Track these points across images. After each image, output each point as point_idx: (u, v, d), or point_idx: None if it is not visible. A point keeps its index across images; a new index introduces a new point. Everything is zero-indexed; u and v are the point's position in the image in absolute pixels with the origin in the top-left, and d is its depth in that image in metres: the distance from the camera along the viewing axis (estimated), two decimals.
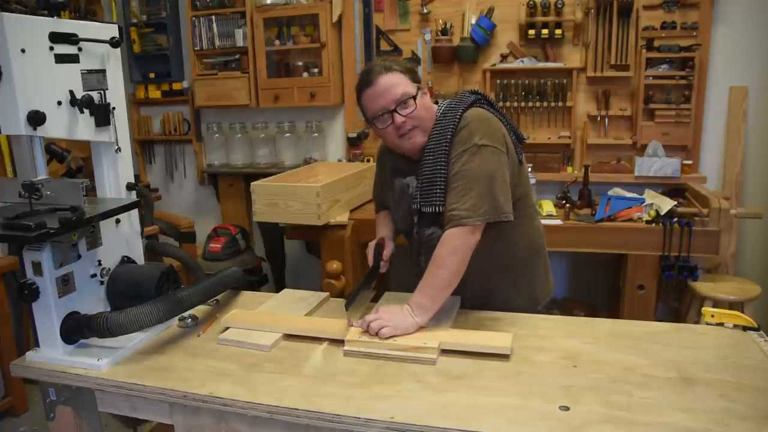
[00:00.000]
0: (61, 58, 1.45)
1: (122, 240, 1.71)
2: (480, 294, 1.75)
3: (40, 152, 1.45)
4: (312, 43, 3.71)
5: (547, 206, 3.11)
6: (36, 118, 1.36)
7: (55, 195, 1.46)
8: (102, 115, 1.56)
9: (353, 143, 3.80)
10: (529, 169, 3.26)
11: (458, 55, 3.46)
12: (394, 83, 1.60)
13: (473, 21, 3.42)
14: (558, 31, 3.28)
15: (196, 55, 3.97)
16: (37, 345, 1.52)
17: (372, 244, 1.82)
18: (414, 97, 1.62)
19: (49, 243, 1.41)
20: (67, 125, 1.48)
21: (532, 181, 3.16)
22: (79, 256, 1.53)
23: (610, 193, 3.19)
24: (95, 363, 1.46)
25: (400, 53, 3.62)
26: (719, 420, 1.17)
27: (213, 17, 3.87)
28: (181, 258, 3.02)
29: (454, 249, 1.53)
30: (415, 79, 1.65)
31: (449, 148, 1.61)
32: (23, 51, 1.34)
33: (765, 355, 1.43)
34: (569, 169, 3.43)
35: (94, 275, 1.60)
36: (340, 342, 1.53)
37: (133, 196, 1.71)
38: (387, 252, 1.80)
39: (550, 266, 1.91)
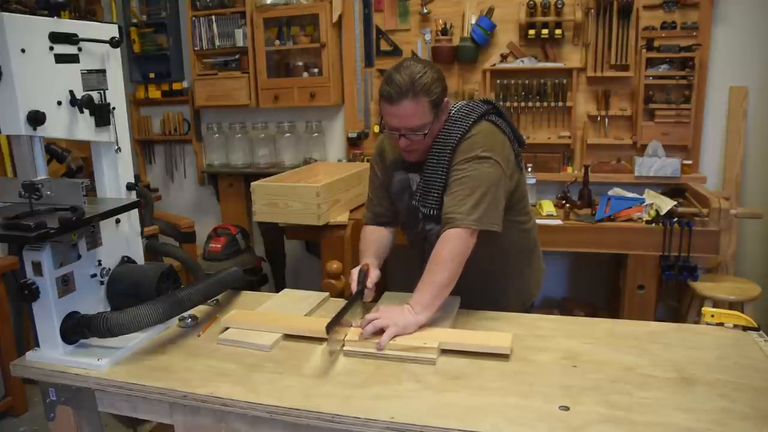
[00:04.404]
0: (61, 58, 1.45)
1: (122, 240, 1.71)
2: (478, 287, 1.78)
3: (40, 152, 1.45)
4: (312, 43, 3.71)
5: (547, 206, 3.11)
6: (36, 118, 1.36)
7: (55, 195, 1.46)
8: (102, 115, 1.56)
9: (353, 143, 3.81)
10: (529, 170, 3.28)
11: (458, 55, 3.46)
12: (412, 113, 1.59)
13: (473, 21, 3.42)
14: (558, 31, 3.28)
15: (196, 55, 3.97)
16: (37, 345, 1.52)
17: (355, 272, 1.74)
18: (426, 132, 1.62)
19: (49, 243, 1.41)
20: (67, 125, 1.48)
21: (533, 181, 3.19)
22: (79, 256, 1.53)
23: (610, 193, 3.19)
24: (95, 363, 1.46)
25: (400, 53, 3.62)
26: (719, 420, 1.17)
27: (213, 17, 3.87)
28: (181, 258, 3.01)
29: (453, 248, 1.56)
30: (438, 101, 1.62)
31: (452, 155, 1.65)
32: (23, 51, 1.34)
33: (765, 355, 1.43)
34: (569, 169, 3.43)
35: (94, 275, 1.60)
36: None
37: (133, 196, 1.71)
38: (371, 279, 1.72)
39: (542, 259, 2.00)
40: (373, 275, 1.73)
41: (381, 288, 1.83)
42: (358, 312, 1.68)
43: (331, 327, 1.47)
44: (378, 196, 1.92)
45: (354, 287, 1.71)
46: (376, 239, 1.88)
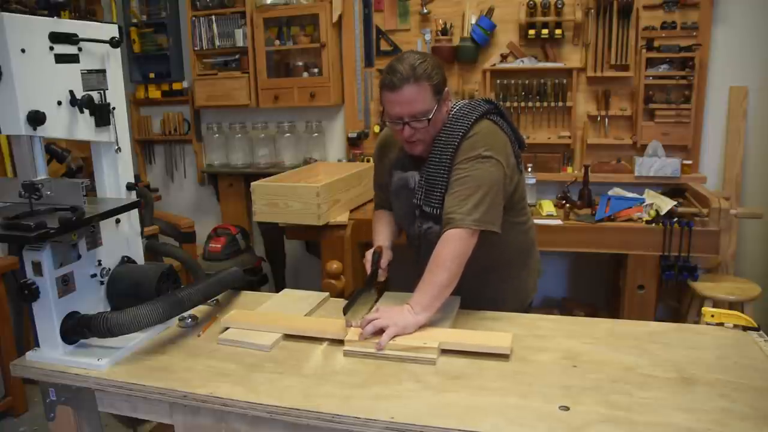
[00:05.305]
0: (61, 58, 1.45)
1: (122, 240, 1.71)
2: (476, 287, 1.78)
3: (40, 152, 1.45)
4: (312, 43, 3.72)
5: (547, 206, 3.11)
6: (36, 118, 1.36)
7: (55, 195, 1.46)
8: (102, 115, 1.56)
9: (353, 143, 3.81)
10: (529, 170, 3.28)
11: (458, 55, 3.47)
12: (415, 98, 1.60)
13: (473, 21, 3.42)
14: (558, 31, 3.28)
15: (196, 55, 3.97)
16: (37, 345, 1.52)
17: (369, 253, 1.80)
18: (429, 117, 1.62)
19: (49, 243, 1.41)
20: (67, 125, 1.48)
21: (533, 181, 3.19)
22: (79, 256, 1.53)
23: (610, 193, 3.19)
24: (95, 363, 1.46)
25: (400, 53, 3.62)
26: (719, 420, 1.17)
27: (213, 17, 3.87)
28: (181, 258, 3.01)
29: (453, 249, 1.56)
30: (439, 88, 1.63)
31: (455, 154, 1.65)
32: (23, 51, 1.34)
33: (765, 355, 1.43)
34: (569, 169, 3.43)
35: (94, 275, 1.60)
36: (340, 342, 1.53)
37: (133, 196, 1.71)
38: (385, 260, 1.78)
39: (540, 260, 2.00)
40: (386, 256, 1.79)
41: (382, 288, 1.84)
42: (372, 294, 1.74)
43: (347, 309, 1.58)
44: (380, 190, 1.97)
45: (368, 268, 1.76)
46: (387, 222, 1.92)
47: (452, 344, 1.48)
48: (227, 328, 1.64)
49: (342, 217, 2.96)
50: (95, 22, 1.57)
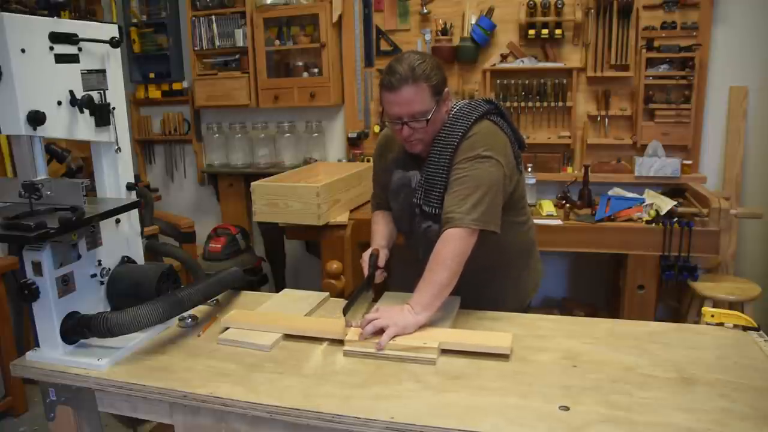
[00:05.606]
0: (61, 58, 1.45)
1: (122, 240, 1.71)
2: (475, 286, 1.78)
3: (40, 152, 1.45)
4: (312, 43, 3.72)
5: (547, 206, 3.11)
6: (36, 118, 1.36)
7: (55, 195, 1.46)
8: (102, 115, 1.56)
9: (353, 143, 3.81)
10: (529, 170, 3.28)
11: (458, 55, 3.47)
12: (413, 99, 1.60)
13: (473, 21, 3.42)
14: (558, 31, 3.28)
15: (196, 55, 3.98)
16: (37, 345, 1.52)
17: (366, 255, 1.79)
18: (428, 118, 1.63)
19: (49, 243, 1.41)
20: (67, 125, 1.48)
21: (533, 181, 3.19)
22: (79, 256, 1.53)
23: (610, 193, 3.19)
24: (95, 363, 1.46)
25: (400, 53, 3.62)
26: (719, 420, 1.17)
27: (213, 17, 3.88)
28: (181, 258, 3.01)
29: (453, 248, 1.56)
30: (438, 89, 1.64)
31: (454, 153, 1.66)
32: (23, 51, 1.34)
33: (765, 355, 1.43)
34: (569, 169, 3.43)
35: (94, 275, 1.60)
36: (340, 342, 1.53)
37: (133, 196, 1.71)
38: (382, 260, 1.78)
39: (540, 260, 2.00)
40: (383, 255, 1.79)
41: (381, 288, 1.84)
42: (370, 296, 1.75)
43: (346, 310, 1.61)
44: (379, 189, 1.96)
45: (366, 271, 1.76)
46: (384, 222, 1.92)
47: (452, 344, 1.48)
48: (227, 328, 1.64)
49: (342, 217, 2.96)
50: (95, 22, 1.57)
